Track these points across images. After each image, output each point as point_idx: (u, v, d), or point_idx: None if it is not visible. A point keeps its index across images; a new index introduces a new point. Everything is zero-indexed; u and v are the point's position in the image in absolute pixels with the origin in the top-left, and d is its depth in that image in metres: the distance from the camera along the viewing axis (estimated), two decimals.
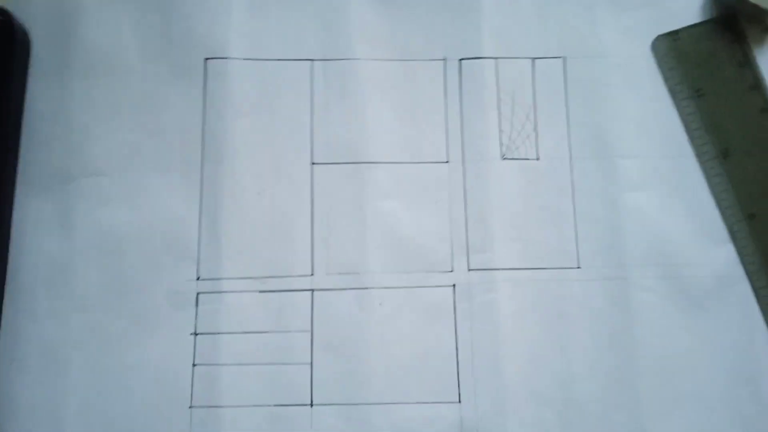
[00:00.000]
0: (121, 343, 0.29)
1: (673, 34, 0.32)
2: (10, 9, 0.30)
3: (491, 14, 0.32)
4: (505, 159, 0.31)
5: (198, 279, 0.29)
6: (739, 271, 0.30)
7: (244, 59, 0.31)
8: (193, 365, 0.29)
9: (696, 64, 0.32)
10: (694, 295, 0.30)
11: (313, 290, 0.29)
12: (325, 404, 0.28)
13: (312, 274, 0.30)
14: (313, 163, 0.30)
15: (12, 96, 0.30)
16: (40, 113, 0.30)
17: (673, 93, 0.32)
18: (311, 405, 0.28)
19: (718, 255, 0.30)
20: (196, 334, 0.29)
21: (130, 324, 0.29)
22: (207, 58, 0.31)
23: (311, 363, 0.29)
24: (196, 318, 0.29)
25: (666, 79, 0.32)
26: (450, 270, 0.30)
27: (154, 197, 0.30)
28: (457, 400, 0.29)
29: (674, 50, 0.32)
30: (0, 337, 0.28)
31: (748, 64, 0.32)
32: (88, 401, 0.28)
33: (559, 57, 0.32)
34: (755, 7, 0.31)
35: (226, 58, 0.31)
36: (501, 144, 0.31)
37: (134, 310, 0.29)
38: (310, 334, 0.29)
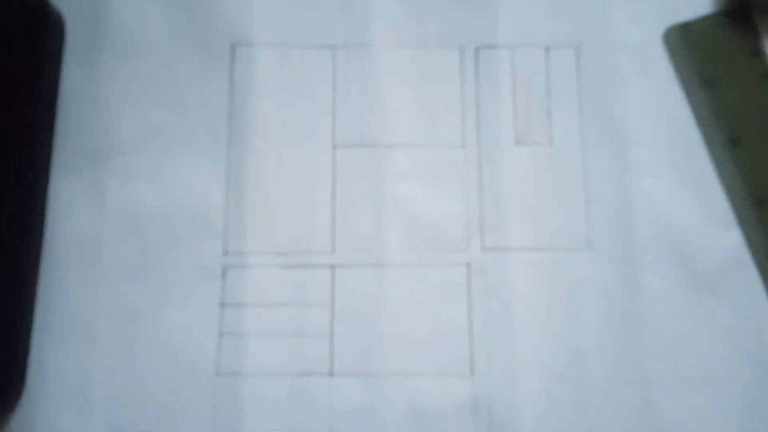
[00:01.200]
0: (148, 313, 0.30)
1: (686, 25, 0.33)
2: None
3: (507, 4, 0.33)
4: (518, 144, 0.32)
5: (224, 254, 0.30)
6: (746, 256, 0.31)
7: (269, 45, 0.32)
8: (219, 335, 0.30)
9: (707, 55, 0.32)
10: (702, 278, 0.30)
11: (333, 266, 0.30)
12: (344, 374, 0.29)
13: (333, 251, 0.31)
14: (335, 146, 0.32)
15: (47, 78, 0.31)
16: (73, 95, 0.31)
17: (685, 82, 0.32)
18: (331, 375, 0.29)
19: (727, 239, 0.31)
20: (222, 305, 0.30)
21: (158, 296, 0.30)
22: (234, 44, 0.32)
23: (331, 335, 0.30)
24: (222, 290, 0.30)
25: (677, 69, 0.32)
26: (465, 249, 0.31)
27: (181, 176, 0.31)
28: (470, 374, 0.29)
29: (686, 40, 0.33)
30: (35, 307, 0.29)
31: (759, 54, 0.32)
32: (115, 369, 0.29)
33: (573, 46, 0.32)
34: None
35: (251, 43, 0.32)
36: (515, 130, 0.32)
37: (162, 282, 0.30)
38: (330, 307, 0.30)
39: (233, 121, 0.32)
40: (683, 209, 0.31)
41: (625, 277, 0.30)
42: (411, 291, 0.30)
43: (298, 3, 0.33)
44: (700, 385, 0.29)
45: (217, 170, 0.31)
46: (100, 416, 0.29)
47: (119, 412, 0.29)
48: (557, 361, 0.30)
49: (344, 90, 0.32)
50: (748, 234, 0.31)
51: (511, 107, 0.32)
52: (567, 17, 0.33)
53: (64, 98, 0.31)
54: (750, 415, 0.29)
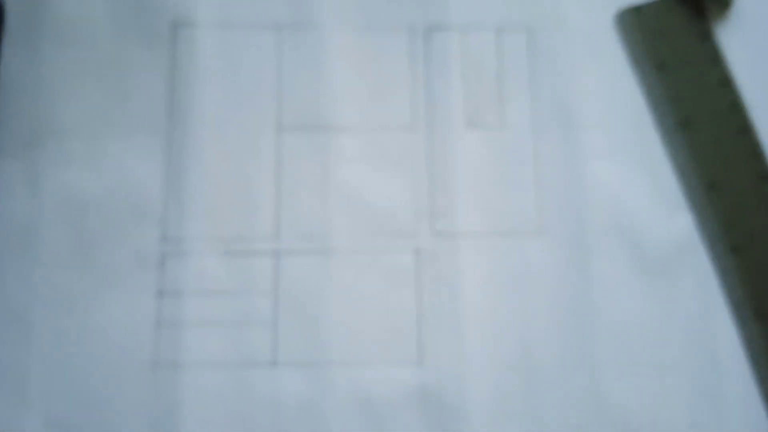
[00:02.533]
0: (85, 302, 0.29)
1: (636, 9, 0.33)
2: None
3: None
4: (469, 127, 0.31)
5: (163, 240, 0.30)
6: (697, 239, 0.31)
7: (211, 25, 0.32)
8: (157, 324, 0.29)
9: (658, 38, 0.32)
10: (653, 262, 0.30)
11: (277, 252, 0.30)
12: (288, 364, 0.29)
13: (276, 237, 0.30)
14: (279, 129, 0.31)
15: None
16: (10, 79, 0.31)
17: (636, 66, 0.32)
18: (274, 365, 0.29)
19: (678, 223, 0.31)
20: (160, 293, 0.29)
21: (95, 284, 0.29)
22: (175, 25, 0.31)
23: (274, 324, 0.29)
24: (160, 278, 0.29)
25: (628, 53, 0.32)
26: (413, 234, 0.30)
27: (120, 160, 0.30)
28: (419, 363, 0.29)
29: (637, 24, 0.33)
30: None
31: (708, 38, 0.33)
32: (52, 359, 0.28)
33: (524, 29, 0.32)
34: None
35: (193, 24, 0.31)
36: (466, 113, 0.32)
37: (99, 270, 0.29)
38: (273, 295, 0.29)
39: (174, 104, 0.31)
40: (634, 193, 0.31)
41: (576, 262, 0.30)
42: (358, 278, 0.30)
43: None
44: (649, 369, 0.29)
45: (157, 155, 0.30)
46: (37, 407, 0.28)
47: (56, 403, 0.28)
48: (507, 348, 0.29)
49: (290, 72, 0.31)
50: (700, 218, 0.31)
51: (462, 90, 0.32)
52: (518, 0, 0.32)
53: (3, 83, 0.31)
54: (699, 398, 0.29)
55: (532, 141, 0.31)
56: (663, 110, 0.32)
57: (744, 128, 0.32)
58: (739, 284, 0.30)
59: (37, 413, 0.28)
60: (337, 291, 0.30)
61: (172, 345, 0.29)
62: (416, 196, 0.31)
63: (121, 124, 0.31)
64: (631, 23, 0.33)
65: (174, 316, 0.29)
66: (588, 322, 0.30)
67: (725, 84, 0.32)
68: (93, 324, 0.29)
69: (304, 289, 0.29)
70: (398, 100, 0.31)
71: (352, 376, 0.29)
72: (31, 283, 0.29)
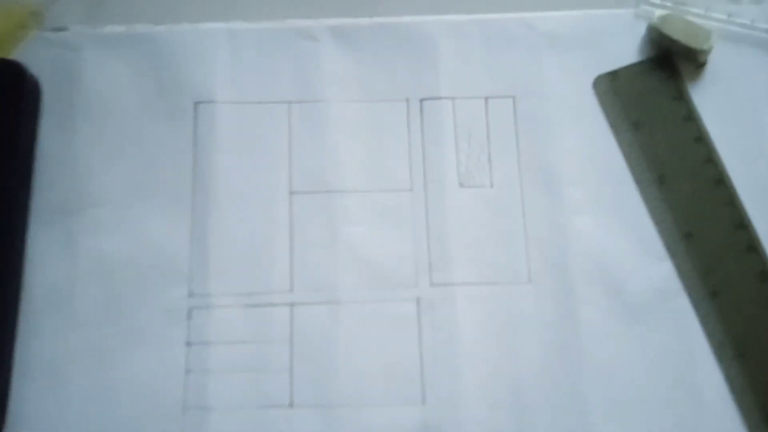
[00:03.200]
0: (119, 355, 0.31)
1: (613, 74, 0.35)
2: (22, 61, 0.34)
3: (447, 59, 0.35)
4: (462, 187, 0.34)
5: (190, 295, 0.32)
6: (677, 285, 0.32)
7: (229, 102, 0.35)
8: (186, 372, 0.31)
9: (634, 100, 0.35)
10: (635, 308, 0.32)
11: (292, 304, 0.32)
12: (303, 406, 0.31)
13: (291, 290, 0.33)
14: (291, 192, 0.34)
15: (25, 138, 0.33)
16: (48, 153, 0.34)
17: (614, 126, 0.35)
18: (291, 406, 0.31)
19: (658, 271, 0.33)
20: (189, 344, 0.32)
21: (128, 338, 0.31)
22: (196, 102, 0.34)
23: (291, 369, 0.32)
24: (188, 330, 0.32)
25: (606, 114, 0.35)
26: (414, 285, 0.33)
27: (149, 226, 0.33)
28: (421, 403, 0.31)
29: (614, 88, 0.35)
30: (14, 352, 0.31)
31: (682, 97, 0.35)
32: (88, 409, 0.31)
33: (510, 96, 0.35)
34: (687, 47, 0.35)
35: (213, 101, 0.34)
36: (458, 173, 0.34)
37: (131, 325, 0.32)
38: (289, 343, 0.32)
39: (197, 172, 0.34)
40: (616, 244, 0.33)
41: (563, 309, 0.32)
42: (364, 326, 0.32)
43: (255, 62, 0.35)
44: (634, 409, 0.31)
45: (182, 219, 0.33)
46: None
47: None
48: (500, 389, 0.31)
49: (299, 141, 0.34)
50: (678, 265, 0.33)
51: (455, 152, 0.34)
52: (503, 70, 0.35)
53: (40, 156, 0.34)
54: None
55: (520, 198, 0.34)
56: (640, 166, 0.34)
57: (719, 179, 0.34)
58: (718, 326, 0.32)
59: None
60: (346, 338, 0.32)
61: (200, 390, 0.31)
62: (415, 250, 0.33)
63: (149, 192, 0.33)
64: (608, 86, 0.35)
65: (201, 364, 0.31)
66: (575, 365, 0.32)
67: (700, 139, 0.34)
68: (127, 375, 0.31)
69: (316, 337, 0.32)
70: (397, 163, 0.34)
71: (361, 417, 0.31)
72: (67, 340, 0.32)
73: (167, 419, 0.31)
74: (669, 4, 0.35)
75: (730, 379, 0.31)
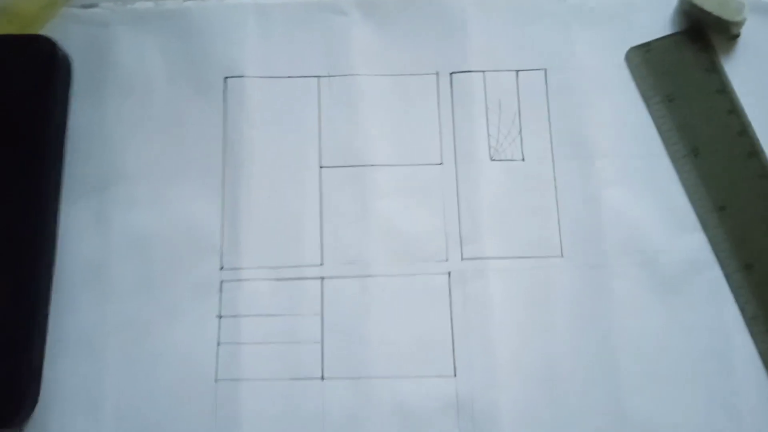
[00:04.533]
0: (152, 328, 0.32)
1: (645, 46, 0.35)
2: (54, 38, 0.34)
3: (477, 32, 0.35)
4: (493, 160, 0.34)
5: (221, 269, 0.32)
6: (710, 258, 0.32)
7: (258, 77, 0.35)
8: (218, 344, 0.32)
9: (666, 72, 0.35)
10: (668, 280, 0.32)
11: (322, 278, 0.32)
12: (334, 378, 0.31)
13: (321, 264, 0.33)
14: (321, 167, 0.34)
15: (57, 114, 0.33)
16: (81, 128, 0.34)
17: (646, 99, 0.35)
18: (322, 379, 0.31)
19: (691, 243, 0.33)
20: (220, 316, 0.32)
21: (160, 311, 0.32)
22: (226, 77, 0.35)
23: (322, 342, 0.32)
24: (220, 303, 0.32)
25: (639, 87, 0.35)
26: (445, 259, 0.33)
27: (180, 200, 0.33)
28: (453, 375, 0.31)
29: (646, 60, 0.35)
30: (48, 325, 0.32)
31: (714, 70, 0.35)
32: (122, 381, 0.31)
33: (541, 69, 0.35)
34: (720, 18, 0.34)
35: (242, 76, 0.35)
36: (489, 147, 0.34)
37: (164, 298, 0.32)
38: (320, 316, 0.32)
39: (227, 147, 0.34)
40: (648, 216, 0.33)
41: (596, 282, 0.32)
42: (395, 299, 0.32)
43: (284, 37, 0.35)
44: (667, 381, 0.31)
45: (213, 193, 0.33)
46: (108, 424, 0.31)
47: (127, 420, 0.31)
48: (533, 361, 0.31)
49: (329, 115, 0.34)
50: (711, 238, 0.33)
51: (485, 126, 0.34)
52: (533, 42, 0.35)
53: (71, 132, 0.34)
54: (715, 409, 0.31)
55: (552, 171, 0.34)
56: (673, 139, 0.34)
57: (753, 152, 0.33)
58: (751, 299, 0.32)
59: (109, 429, 0.31)
60: (377, 311, 0.32)
61: (232, 362, 0.31)
62: (446, 224, 0.33)
63: (180, 167, 0.34)
64: (640, 59, 0.35)
65: (233, 337, 0.32)
66: (608, 338, 0.31)
67: (733, 112, 0.34)
68: (160, 348, 0.31)
69: (347, 310, 0.32)
70: (427, 137, 0.34)
71: (392, 388, 0.31)
72: (102, 314, 0.32)
73: (200, 391, 0.31)
74: None
75: (762, 352, 0.31)
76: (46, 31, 0.35)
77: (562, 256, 0.33)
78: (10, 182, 0.32)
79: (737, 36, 0.35)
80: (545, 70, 0.35)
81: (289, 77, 0.35)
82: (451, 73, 0.35)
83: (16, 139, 0.32)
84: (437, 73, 0.35)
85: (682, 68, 0.35)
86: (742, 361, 0.31)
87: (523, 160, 0.34)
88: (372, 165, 0.34)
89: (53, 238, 0.32)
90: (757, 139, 0.34)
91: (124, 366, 0.31)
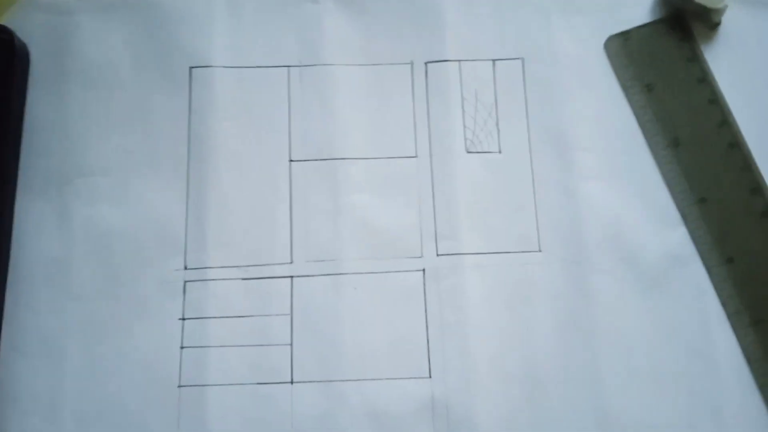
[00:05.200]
0: (114, 330, 0.31)
1: (624, 34, 0.34)
2: (11, 27, 0.32)
3: (453, 20, 0.34)
4: (469, 153, 0.33)
5: (185, 268, 0.31)
6: (691, 251, 0.32)
7: (226, 67, 0.33)
8: (181, 348, 0.31)
9: (646, 61, 0.34)
10: (649, 276, 0.31)
11: (292, 277, 0.32)
12: (305, 381, 0.30)
13: (291, 262, 0.32)
14: (291, 161, 0.33)
15: (13, 106, 0.32)
16: (39, 121, 0.33)
17: (626, 89, 0.34)
18: (291, 383, 0.30)
19: (672, 237, 0.32)
20: (183, 319, 0.31)
21: (123, 312, 0.31)
22: (192, 67, 0.33)
23: (291, 344, 0.31)
24: (183, 304, 0.31)
25: (618, 76, 0.34)
26: (420, 256, 0.32)
27: (144, 195, 0.32)
28: (428, 377, 0.30)
29: (625, 49, 0.34)
30: (2, 327, 0.30)
31: (696, 59, 0.34)
32: (83, 384, 0.30)
33: (518, 58, 0.34)
34: (701, 6, 0.33)
35: (209, 66, 0.33)
36: (465, 139, 0.33)
37: (126, 299, 0.31)
38: (290, 317, 0.31)
39: (193, 140, 0.33)
40: (628, 210, 0.32)
41: (575, 277, 0.32)
42: (368, 298, 0.31)
43: (253, 25, 0.34)
44: (648, 379, 0.30)
45: (179, 188, 0.32)
46: (68, 429, 0.30)
47: (87, 425, 0.30)
48: (511, 361, 0.31)
49: (300, 107, 0.33)
50: (693, 231, 0.32)
51: (461, 117, 0.33)
52: (511, 31, 0.34)
53: (30, 124, 0.33)
54: (696, 405, 0.30)
55: (529, 163, 0.33)
56: (653, 130, 0.33)
57: (734, 143, 0.33)
58: (734, 294, 0.31)
59: None
60: (349, 311, 0.31)
61: (197, 366, 0.30)
62: (421, 219, 0.32)
63: (144, 160, 0.32)
64: (619, 48, 0.34)
65: (197, 340, 0.31)
66: (588, 335, 0.31)
67: (714, 102, 0.33)
68: (122, 349, 0.30)
69: (318, 310, 0.31)
70: (401, 129, 0.33)
71: (365, 391, 0.30)
72: (63, 313, 0.31)
73: (163, 395, 0.30)
74: None
75: (745, 347, 0.31)
76: (4, 19, 0.33)
77: (540, 250, 0.32)
78: None
79: (718, 24, 0.34)
80: (523, 59, 0.34)
81: (258, 67, 0.34)
82: (426, 63, 0.34)
83: None
84: (412, 63, 0.34)
85: (663, 57, 0.34)
86: (724, 357, 0.31)
87: (500, 152, 0.33)
88: (344, 158, 0.33)
89: (8, 236, 0.31)
90: (739, 130, 0.33)
91: (84, 368, 0.30)
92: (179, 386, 0.30)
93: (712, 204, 0.32)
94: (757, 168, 0.32)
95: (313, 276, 0.31)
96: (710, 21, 0.34)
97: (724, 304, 0.31)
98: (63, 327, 0.31)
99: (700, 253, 0.32)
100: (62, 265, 0.31)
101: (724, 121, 0.33)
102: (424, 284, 0.31)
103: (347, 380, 0.30)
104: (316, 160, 0.33)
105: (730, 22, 0.34)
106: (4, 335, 0.30)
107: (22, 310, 0.31)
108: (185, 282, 0.31)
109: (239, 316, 0.31)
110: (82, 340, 0.31)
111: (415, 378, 0.30)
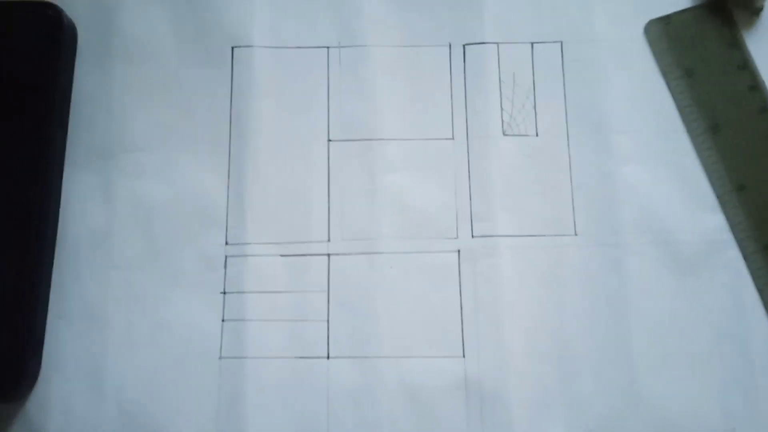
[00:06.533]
0: (156, 301, 0.31)
1: (665, 19, 0.34)
2: (59, 4, 0.33)
3: (492, 3, 0.34)
4: (506, 135, 0.33)
5: (226, 244, 0.32)
6: (728, 238, 0.32)
7: (267, 47, 0.34)
8: (222, 321, 0.31)
9: (687, 46, 0.34)
10: (684, 260, 0.31)
11: (329, 254, 0.32)
12: (340, 357, 0.31)
13: (328, 240, 0.32)
14: (330, 140, 0.33)
15: (62, 82, 0.32)
16: (85, 97, 0.33)
17: (665, 73, 0.34)
18: (328, 357, 0.31)
19: (709, 222, 0.32)
20: (224, 293, 0.31)
21: (165, 284, 0.31)
22: (234, 47, 0.34)
23: (328, 320, 0.31)
24: (224, 279, 0.32)
25: (658, 61, 0.34)
26: (455, 237, 0.32)
27: (186, 171, 0.33)
28: (462, 355, 0.31)
29: (666, 34, 0.34)
30: (50, 295, 0.31)
31: (736, 45, 0.34)
32: (125, 352, 0.31)
33: (557, 41, 0.34)
34: None
35: (250, 46, 0.34)
36: (502, 121, 0.33)
37: (168, 271, 0.32)
38: (326, 294, 0.31)
39: (234, 119, 0.33)
40: (665, 195, 0.32)
41: (610, 261, 0.32)
42: (404, 277, 0.32)
43: (294, 7, 0.34)
44: (682, 363, 0.30)
45: (220, 165, 0.33)
46: (111, 397, 0.31)
47: (129, 394, 0.31)
48: (544, 341, 0.31)
49: (338, 87, 0.34)
50: (730, 217, 0.32)
51: (499, 100, 0.33)
52: (550, 14, 0.34)
53: (76, 100, 0.33)
54: (731, 391, 0.30)
55: (566, 147, 0.33)
56: (692, 115, 0.33)
57: None
58: None
59: (111, 404, 0.31)
60: (384, 289, 0.31)
61: (236, 339, 0.31)
62: (457, 200, 0.32)
63: (187, 137, 0.33)
64: (660, 32, 0.34)
65: (237, 314, 0.31)
66: (622, 317, 0.31)
67: (754, 88, 0.33)
68: (163, 320, 0.31)
69: (354, 288, 0.32)
70: (438, 110, 0.33)
71: (400, 368, 0.31)
72: (106, 283, 0.32)
73: (204, 366, 0.31)
74: None
75: None
76: None
77: (575, 234, 0.32)
78: (14, 150, 0.31)
79: (761, 10, 0.34)
80: (561, 42, 0.34)
81: (298, 47, 0.34)
82: (464, 45, 0.34)
83: (20, 106, 0.32)
84: (450, 45, 0.34)
85: (703, 42, 0.34)
86: (759, 344, 0.31)
87: (537, 135, 0.33)
88: (381, 139, 0.33)
89: (56, 207, 0.32)
90: None
91: (127, 339, 0.31)
92: (220, 358, 0.31)
93: (750, 191, 0.32)
94: None
95: (349, 254, 0.32)
96: (752, 6, 0.34)
97: (760, 291, 0.31)
98: (106, 297, 0.31)
99: (737, 240, 0.32)
100: (107, 237, 0.32)
101: (765, 109, 0.33)
102: (459, 265, 0.32)
103: (382, 357, 0.31)
104: (353, 140, 0.33)
105: None
106: (51, 303, 0.31)
107: (68, 280, 0.31)
108: (226, 257, 0.32)
109: (278, 292, 0.31)
110: (125, 310, 0.31)
111: (449, 356, 0.31)
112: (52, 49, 0.32)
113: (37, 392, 0.30)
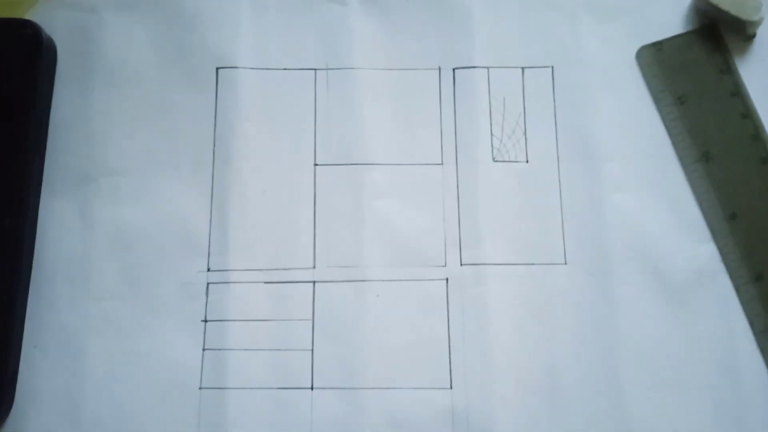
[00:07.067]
0: (135, 329, 0.31)
1: (657, 45, 0.34)
2: (38, 22, 0.32)
3: (482, 26, 0.34)
4: (495, 161, 0.33)
5: (208, 270, 0.31)
6: (719, 267, 0.31)
7: (253, 68, 0.33)
8: (203, 350, 0.30)
9: (678, 73, 0.33)
10: (675, 289, 0.31)
11: (314, 282, 0.31)
12: (325, 388, 0.30)
13: (314, 267, 0.31)
14: (316, 164, 0.33)
15: (39, 102, 0.32)
16: (63, 118, 0.33)
17: (657, 100, 0.33)
18: (312, 388, 0.30)
19: (700, 252, 0.31)
20: (206, 321, 0.31)
21: (145, 312, 0.31)
22: (218, 68, 0.33)
23: (312, 349, 0.31)
24: (206, 306, 0.31)
25: (649, 87, 0.33)
26: (443, 264, 0.32)
27: (167, 196, 0.32)
28: (449, 387, 0.30)
29: (657, 60, 0.34)
30: (24, 324, 0.30)
31: (729, 71, 0.33)
32: (103, 383, 0.30)
33: (548, 66, 0.33)
34: (736, 18, 0.33)
35: (235, 67, 0.33)
36: (492, 147, 0.33)
37: (148, 299, 0.31)
38: (311, 322, 0.31)
39: (218, 141, 0.33)
40: (656, 223, 0.32)
41: (600, 291, 0.31)
42: (391, 306, 0.31)
43: (280, 28, 0.34)
44: (672, 392, 0.30)
45: (202, 190, 0.32)
46: (88, 430, 0.30)
47: (107, 426, 0.30)
48: (533, 372, 0.30)
49: (325, 110, 0.33)
50: (721, 247, 0.32)
51: (489, 125, 0.33)
52: (540, 38, 0.34)
53: (54, 122, 0.33)
54: (721, 421, 0.30)
55: (557, 173, 0.32)
56: (684, 143, 0.33)
57: (766, 157, 0.32)
58: (762, 312, 0.31)
59: None
60: (371, 318, 0.31)
61: (218, 369, 0.30)
62: (445, 228, 0.32)
63: (169, 160, 0.32)
64: (651, 58, 0.34)
65: (219, 343, 0.30)
66: (612, 347, 0.30)
67: (747, 116, 0.33)
68: (143, 350, 0.30)
69: (339, 316, 0.31)
70: (427, 135, 0.33)
71: (386, 399, 0.30)
72: (83, 312, 0.31)
73: (184, 397, 0.30)
74: None
75: None
76: (30, 15, 0.33)
77: (565, 263, 0.31)
78: None
79: (753, 36, 0.34)
80: (552, 67, 0.33)
81: (284, 69, 0.33)
82: (454, 69, 0.33)
83: None
84: (439, 69, 0.33)
85: (695, 69, 0.33)
86: (749, 376, 0.30)
87: (527, 161, 0.33)
88: (369, 164, 0.32)
89: (32, 234, 0.31)
90: None
91: (104, 369, 0.30)
92: (200, 388, 0.30)
93: (742, 220, 0.32)
94: None
95: (335, 282, 0.31)
96: (745, 33, 0.34)
97: (751, 322, 0.31)
98: (84, 326, 0.31)
99: (728, 270, 0.31)
100: (84, 264, 0.31)
101: (757, 136, 0.33)
102: (447, 294, 0.31)
103: (368, 388, 0.30)
104: (340, 164, 0.32)
105: (765, 34, 0.34)
106: (26, 333, 0.30)
107: (44, 309, 0.31)
108: (208, 284, 0.31)
109: (261, 320, 0.31)
110: (103, 340, 0.30)
111: (436, 388, 0.30)
112: (30, 68, 0.32)
113: (11, 424, 0.30)
